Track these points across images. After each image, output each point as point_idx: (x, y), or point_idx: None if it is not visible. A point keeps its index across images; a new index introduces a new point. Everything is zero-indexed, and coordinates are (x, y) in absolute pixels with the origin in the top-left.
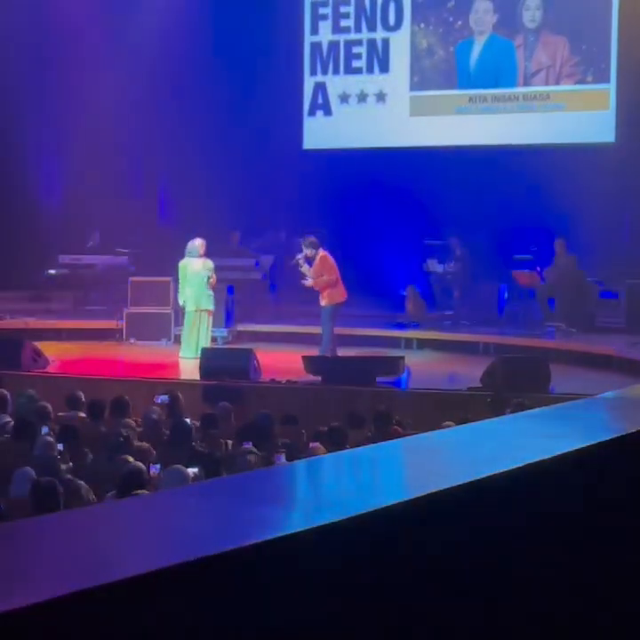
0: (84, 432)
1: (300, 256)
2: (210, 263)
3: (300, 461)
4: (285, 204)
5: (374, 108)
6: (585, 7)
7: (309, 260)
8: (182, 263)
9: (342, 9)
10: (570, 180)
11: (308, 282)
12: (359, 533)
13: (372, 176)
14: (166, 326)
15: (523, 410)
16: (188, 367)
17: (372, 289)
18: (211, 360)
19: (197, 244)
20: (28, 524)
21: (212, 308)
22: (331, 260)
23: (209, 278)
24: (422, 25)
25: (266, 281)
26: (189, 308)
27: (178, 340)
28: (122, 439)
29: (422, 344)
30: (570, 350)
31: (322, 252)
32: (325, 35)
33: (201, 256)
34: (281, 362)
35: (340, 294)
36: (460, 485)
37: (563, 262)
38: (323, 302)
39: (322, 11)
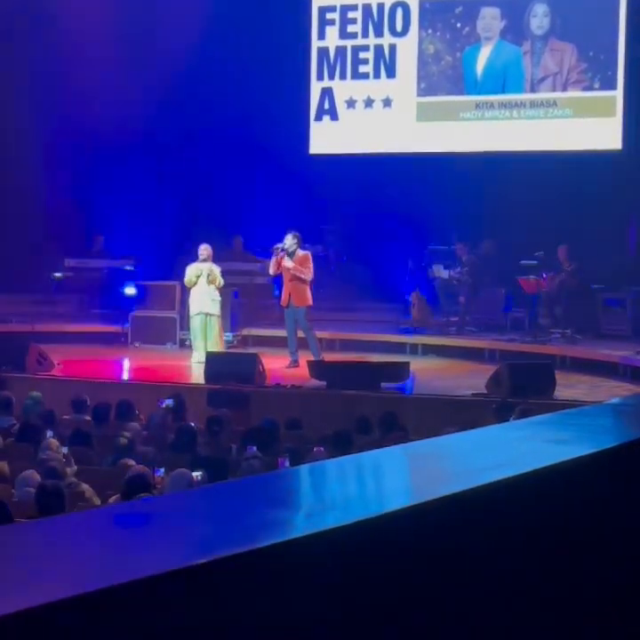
0: (89, 435)
1: (279, 245)
2: (215, 268)
3: (305, 466)
4: (291, 208)
5: (381, 114)
6: (592, 14)
7: (286, 251)
8: (189, 268)
9: (350, 14)
10: (576, 187)
11: (290, 263)
12: (364, 538)
13: (378, 181)
14: (171, 330)
15: (528, 416)
16: (194, 371)
17: (378, 294)
18: (215, 364)
19: (202, 248)
20: (32, 526)
21: (218, 312)
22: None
23: (212, 282)
24: (429, 31)
25: (271, 285)
26: (193, 312)
27: (183, 343)
28: (126, 443)
29: (427, 350)
30: (575, 357)
31: (306, 251)
32: (332, 40)
33: (205, 260)
34: (285, 366)
35: (310, 298)
36: (465, 491)
37: (567, 269)
38: (296, 302)
39: (329, 16)
